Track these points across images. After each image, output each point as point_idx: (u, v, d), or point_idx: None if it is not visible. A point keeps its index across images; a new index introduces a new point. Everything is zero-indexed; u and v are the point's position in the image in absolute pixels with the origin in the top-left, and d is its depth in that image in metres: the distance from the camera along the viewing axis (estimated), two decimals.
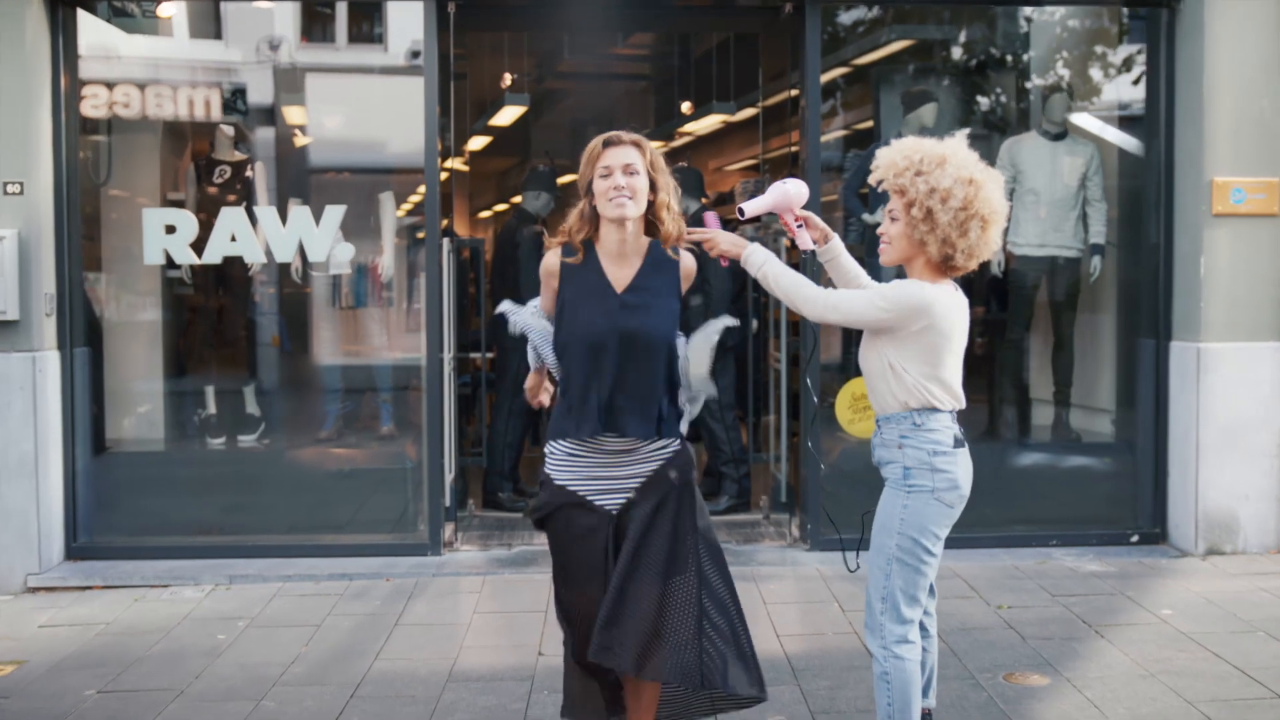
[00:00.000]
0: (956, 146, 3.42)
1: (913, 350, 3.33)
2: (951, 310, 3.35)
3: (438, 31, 6.23)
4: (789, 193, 3.57)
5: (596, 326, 3.30)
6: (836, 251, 3.68)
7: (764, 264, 3.43)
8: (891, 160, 3.43)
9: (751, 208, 3.55)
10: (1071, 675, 4.52)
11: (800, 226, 3.62)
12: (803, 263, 4.00)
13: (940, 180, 3.31)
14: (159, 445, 6.96)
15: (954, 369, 3.38)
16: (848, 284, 3.65)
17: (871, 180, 3.53)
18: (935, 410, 3.35)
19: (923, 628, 3.54)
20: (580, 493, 3.36)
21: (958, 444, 3.37)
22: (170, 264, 6.38)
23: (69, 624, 5.31)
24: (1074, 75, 7.15)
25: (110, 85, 6.35)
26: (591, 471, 3.36)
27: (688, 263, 3.44)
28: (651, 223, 3.38)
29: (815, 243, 3.65)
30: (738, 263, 3.49)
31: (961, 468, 3.38)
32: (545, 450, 3.45)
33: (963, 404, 3.42)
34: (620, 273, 3.36)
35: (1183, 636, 4.96)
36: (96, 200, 6.61)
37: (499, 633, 5.13)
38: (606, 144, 3.33)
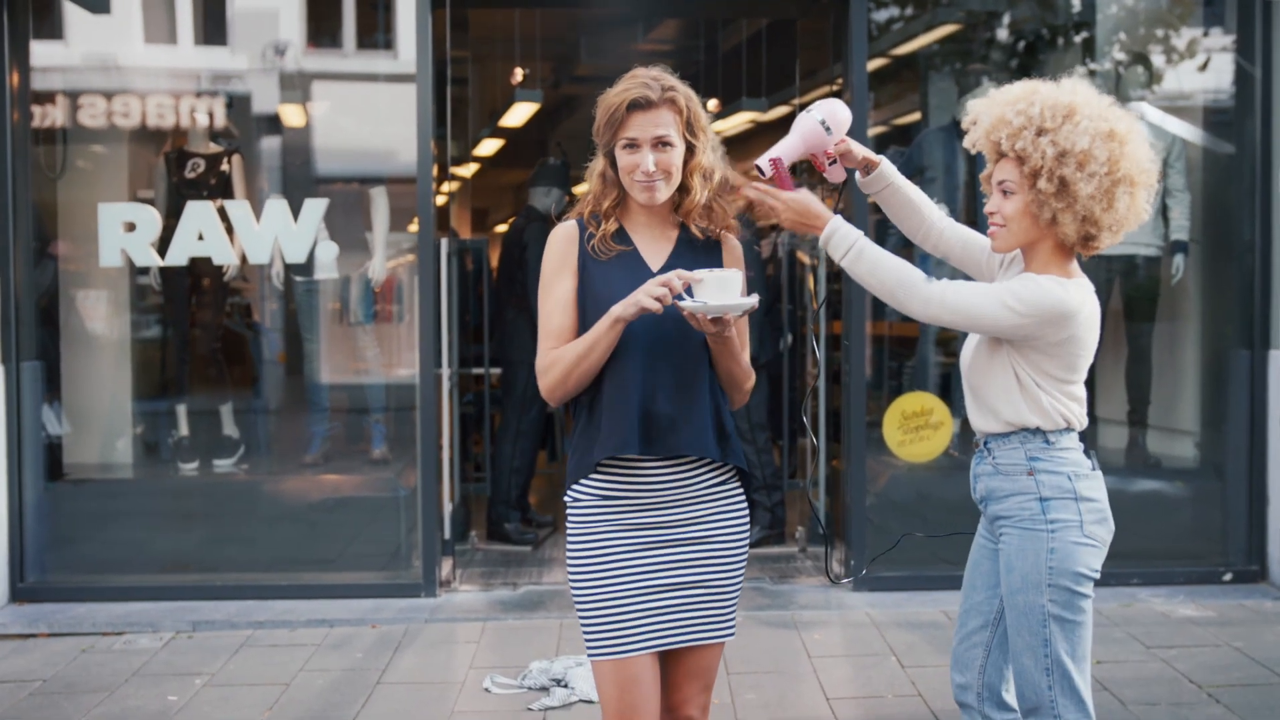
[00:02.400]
0: (1083, 90, 2.58)
1: (1049, 362, 2.57)
2: (1095, 314, 2.58)
3: (431, 7, 5.52)
4: (838, 116, 2.68)
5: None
6: (889, 177, 2.80)
7: (854, 243, 2.57)
8: (1001, 116, 2.58)
9: (783, 151, 2.66)
10: None
11: (833, 163, 2.78)
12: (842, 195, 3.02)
13: (1074, 139, 2.49)
14: (124, 471, 6.22)
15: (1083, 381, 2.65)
16: (909, 216, 2.82)
17: (968, 142, 2.70)
18: (1069, 430, 2.61)
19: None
20: (610, 561, 2.55)
21: (1094, 466, 2.63)
22: (136, 267, 5.68)
23: (1, 680, 4.59)
24: (1149, 48, 6.34)
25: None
26: (626, 518, 2.56)
27: (733, 245, 2.66)
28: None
29: (857, 172, 2.81)
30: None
31: (1105, 494, 2.63)
32: (566, 500, 2.63)
33: (1086, 423, 2.67)
34: (655, 248, 2.62)
35: None
36: (54, 196, 5.91)
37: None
38: (631, 107, 2.52)
